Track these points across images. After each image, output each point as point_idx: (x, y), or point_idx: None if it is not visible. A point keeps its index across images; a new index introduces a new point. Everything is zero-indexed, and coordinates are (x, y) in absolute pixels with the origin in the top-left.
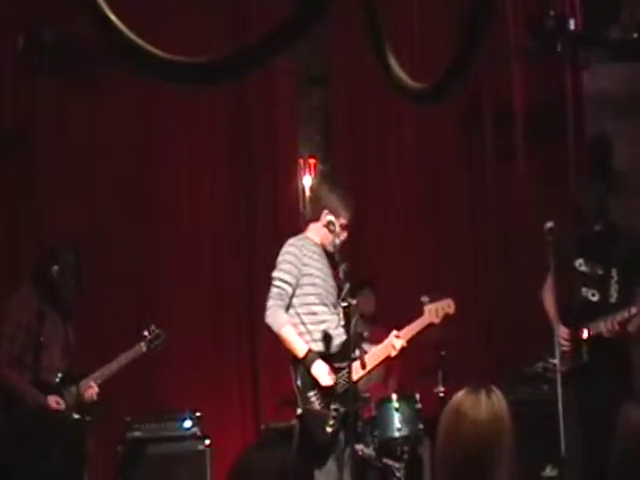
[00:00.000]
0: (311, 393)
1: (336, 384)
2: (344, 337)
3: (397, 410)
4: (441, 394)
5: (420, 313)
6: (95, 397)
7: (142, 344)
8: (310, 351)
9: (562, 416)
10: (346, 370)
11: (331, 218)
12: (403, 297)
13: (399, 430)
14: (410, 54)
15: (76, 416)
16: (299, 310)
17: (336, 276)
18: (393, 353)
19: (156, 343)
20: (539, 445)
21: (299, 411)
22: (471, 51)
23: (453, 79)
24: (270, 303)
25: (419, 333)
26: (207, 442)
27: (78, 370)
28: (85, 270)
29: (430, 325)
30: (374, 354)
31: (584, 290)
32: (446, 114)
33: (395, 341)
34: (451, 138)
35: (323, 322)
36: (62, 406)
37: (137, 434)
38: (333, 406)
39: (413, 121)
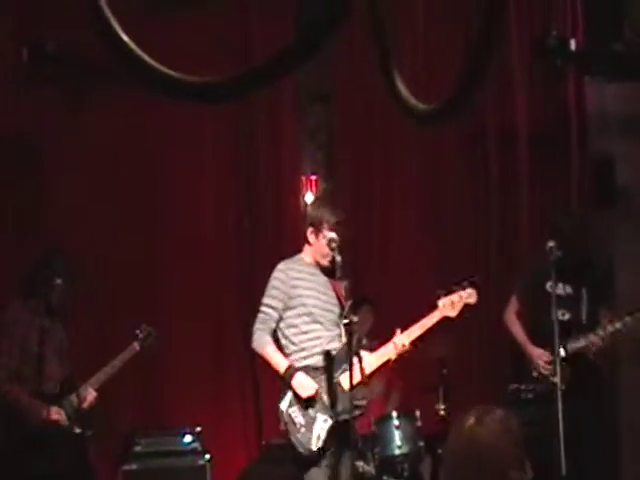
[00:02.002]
0: (293, 409)
1: (319, 394)
2: (337, 351)
3: (397, 427)
4: (442, 412)
5: (434, 307)
6: (94, 402)
7: (135, 343)
8: (291, 366)
9: (562, 436)
10: (341, 377)
11: (331, 234)
12: (403, 315)
13: (399, 447)
14: (412, 75)
15: (77, 430)
16: (286, 332)
17: (337, 293)
18: (394, 353)
19: (148, 341)
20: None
21: (282, 427)
22: (479, 71)
23: (460, 100)
24: (254, 328)
25: (431, 329)
26: (207, 457)
27: (76, 378)
28: (75, 276)
29: (445, 319)
30: (370, 361)
31: (553, 310)
32: (449, 131)
33: (399, 338)
34: (454, 155)
35: (315, 339)
36: (63, 417)
37: (137, 449)
38: (322, 417)
39: (416, 139)
